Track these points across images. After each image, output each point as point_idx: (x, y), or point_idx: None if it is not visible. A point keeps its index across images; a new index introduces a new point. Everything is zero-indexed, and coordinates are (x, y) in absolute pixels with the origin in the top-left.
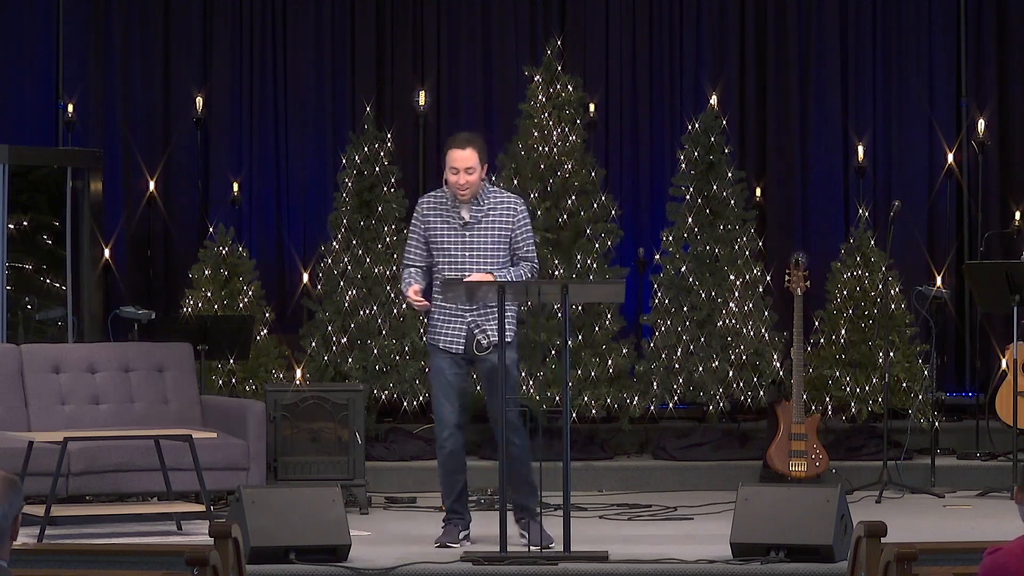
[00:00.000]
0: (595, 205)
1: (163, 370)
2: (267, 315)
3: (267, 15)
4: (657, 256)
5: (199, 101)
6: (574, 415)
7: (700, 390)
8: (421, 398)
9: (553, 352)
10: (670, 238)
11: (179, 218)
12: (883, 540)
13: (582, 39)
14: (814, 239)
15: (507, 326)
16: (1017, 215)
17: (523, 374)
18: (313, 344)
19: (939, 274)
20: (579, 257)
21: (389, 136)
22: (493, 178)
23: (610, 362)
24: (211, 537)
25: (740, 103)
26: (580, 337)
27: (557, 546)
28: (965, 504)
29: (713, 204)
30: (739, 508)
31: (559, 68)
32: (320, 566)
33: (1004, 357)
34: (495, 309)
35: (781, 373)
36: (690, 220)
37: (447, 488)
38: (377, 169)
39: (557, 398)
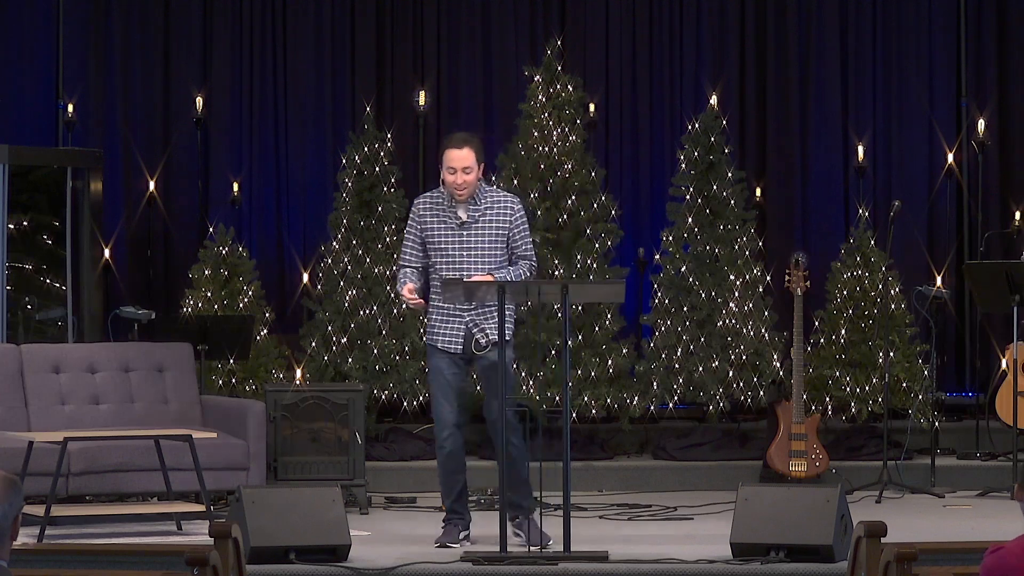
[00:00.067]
0: (595, 205)
1: (163, 370)
2: (267, 315)
3: (267, 15)
4: (657, 256)
5: (199, 101)
6: (574, 415)
7: (700, 390)
8: (421, 398)
9: (553, 352)
10: (670, 238)
11: (179, 218)
12: (883, 540)
13: (582, 39)
14: (814, 239)
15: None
16: (1017, 215)
17: (523, 374)
18: (313, 344)
19: (939, 274)
20: (579, 257)
21: (389, 136)
22: (493, 178)
23: (610, 362)
24: (211, 537)
25: (740, 103)
26: (580, 337)
27: (557, 546)
28: (965, 504)
29: (713, 204)
30: (739, 508)
31: (559, 68)
32: (320, 566)
33: (1004, 357)
34: (493, 309)
35: (781, 373)
36: (690, 220)
37: (447, 488)
38: (377, 169)
39: (557, 398)
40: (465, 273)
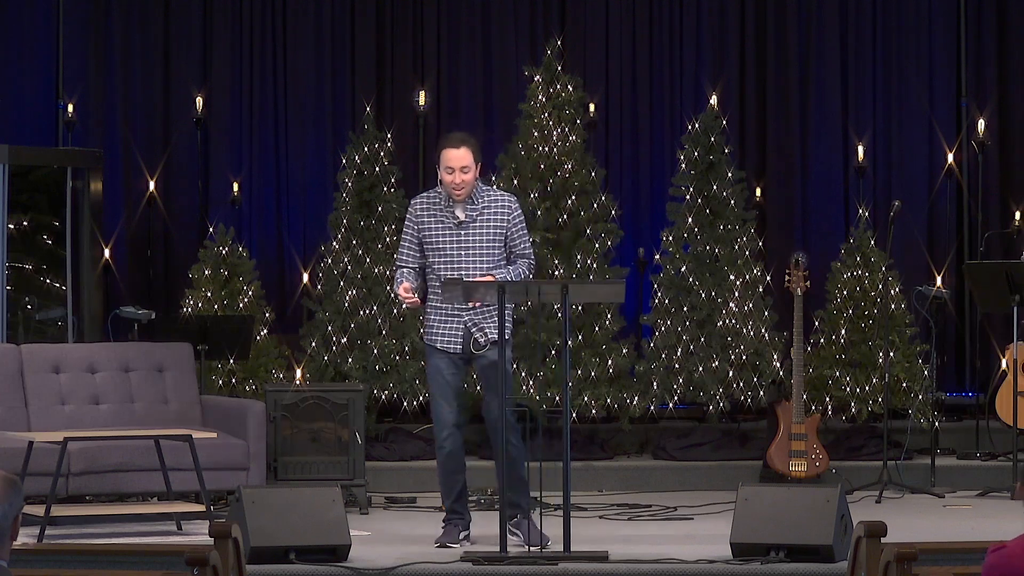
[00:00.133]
0: (595, 205)
1: (163, 370)
2: (267, 315)
3: (267, 15)
4: (657, 256)
5: (199, 101)
6: (574, 415)
7: (700, 390)
8: (421, 398)
9: (553, 352)
10: (670, 238)
11: (179, 218)
12: (883, 540)
13: (582, 39)
14: (814, 239)
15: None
16: (1017, 215)
17: (523, 374)
18: (313, 344)
19: (939, 274)
20: (579, 257)
21: (389, 136)
22: (493, 178)
23: (610, 362)
24: (211, 537)
25: (740, 103)
26: (580, 337)
27: (557, 546)
28: (965, 504)
29: (713, 204)
30: (739, 508)
31: (559, 68)
32: (320, 566)
33: (1004, 357)
34: (492, 308)
35: (781, 373)
36: (690, 220)
37: (447, 488)
38: (377, 169)
39: (557, 398)
40: (463, 273)
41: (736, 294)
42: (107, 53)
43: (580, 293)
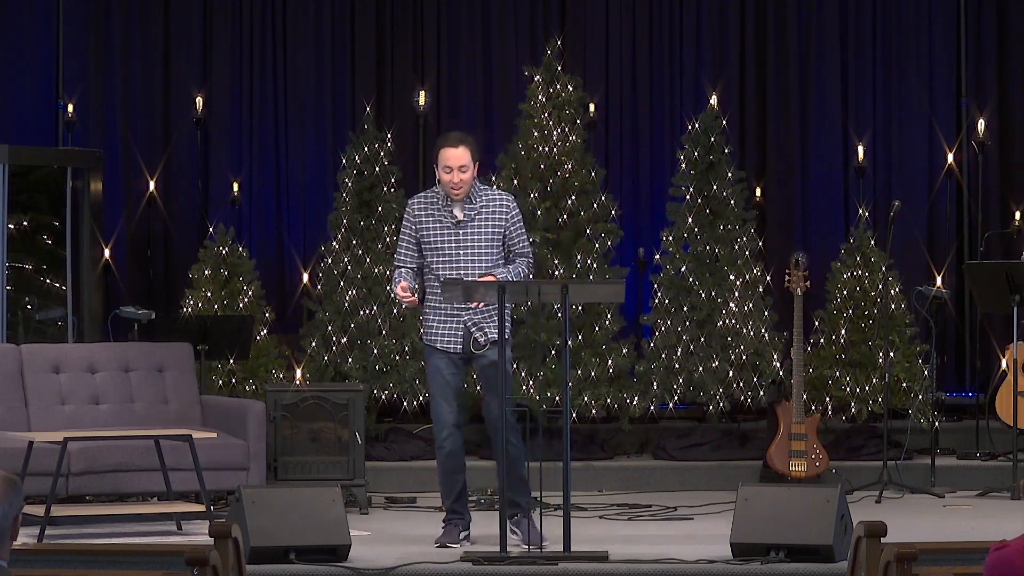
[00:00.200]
0: (595, 205)
1: (163, 370)
2: (267, 315)
3: (267, 15)
4: (657, 256)
5: (199, 101)
6: (574, 415)
7: (700, 390)
8: (421, 398)
9: (553, 352)
10: (670, 238)
11: (179, 218)
12: (883, 540)
13: (582, 39)
14: (814, 239)
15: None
16: (1017, 215)
17: (523, 374)
18: (313, 344)
19: (939, 274)
20: (579, 257)
21: (389, 136)
22: (493, 178)
23: (610, 362)
24: (211, 537)
25: (740, 103)
26: (580, 337)
27: (557, 546)
28: (965, 504)
29: (713, 204)
30: (739, 508)
31: (559, 68)
32: (320, 566)
33: (1004, 357)
34: (492, 308)
35: (781, 373)
36: (690, 220)
37: (447, 488)
38: (377, 169)
39: (557, 398)
40: (462, 272)
41: (736, 294)
42: (107, 53)
43: (580, 293)
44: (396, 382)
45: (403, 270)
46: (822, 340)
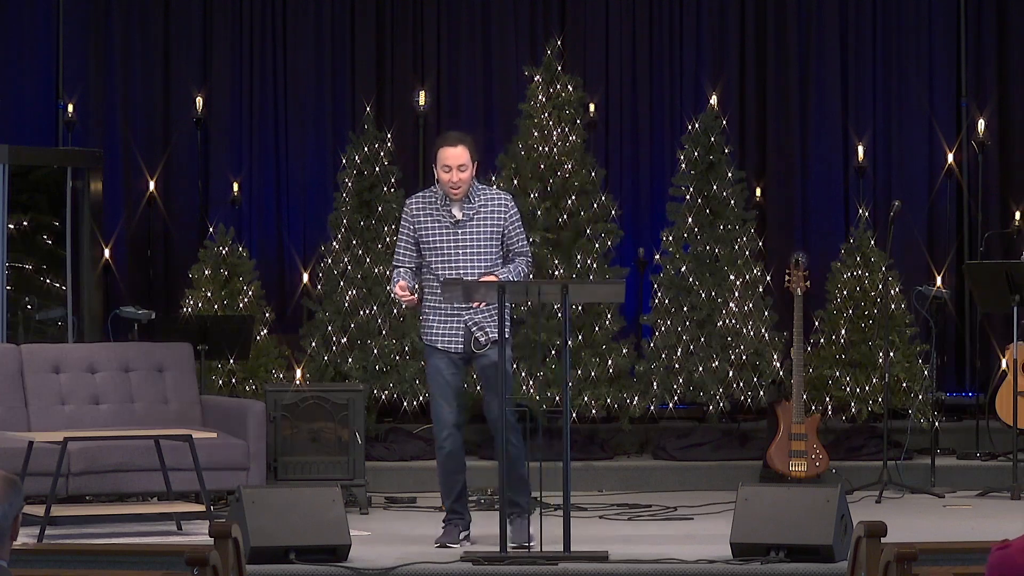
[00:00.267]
0: (595, 205)
1: (163, 370)
2: (267, 315)
3: (267, 15)
4: (657, 256)
5: (199, 101)
6: (574, 415)
7: (700, 390)
8: (421, 398)
9: (553, 352)
10: (670, 238)
11: (179, 218)
12: (883, 540)
13: (582, 39)
14: (814, 239)
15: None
16: (1017, 215)
17: (523, 374)
18: (313, 344)
19: (939, 274)
20: (579, 257)
21: (389, 136)
22: (493, 178)
23: (610, 362)
24: (211, 537)
25: (740, 103)
26: (580, 337)
27: (557, 546)
28: (965, 504)
29: (713, 204)
30: (739, 508)
31: (559, 68)
32: (320, 566)
33: (1004, 357)
34: (493, 307)
35: (781, 373)
36: (690, 220)
37: (447, 488)
38: (377, 169)
39: (557, 398)
40: (461, 272)
41: (736, 294)
42: (107, 53)
43: (580, 293)
44: (396, 382)
45: (401, 269)
46: (822, 340)
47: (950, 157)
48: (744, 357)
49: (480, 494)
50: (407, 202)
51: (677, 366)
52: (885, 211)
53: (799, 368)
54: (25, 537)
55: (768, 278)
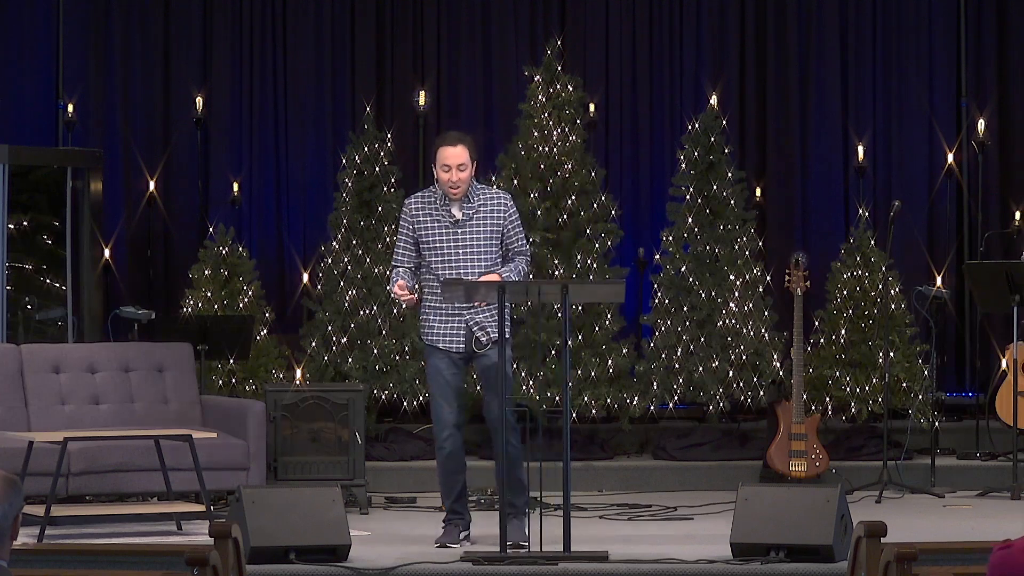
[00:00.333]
0: (595, 205)
1: (163, 370)
2: (267, 315)
3: (267, 15)
4: (657, 256)
5: (199, 101)
6: (574, 415)
7: (700, 390)
8: (421, 398)
9: (553, 352)
10: (670, 238)
11: (179, 218)
12: (883, 540)
13: (582, 39)
14: (814, 239)
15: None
16: (1017, 215)
17: (523, 374)
18: (313, 344)
19: (939, 274)
20: (579, 257)
21: (389, 136)
22: (493, 178)
23: (610, 362)
24: (211, 537)
25: (740, 103)
26: (580, 337)
27: (557, 546)
28: (965, 504)
29: (713, 204)
30: (739, 508)
31: (559, 68)
32: (320, 566)
33: (1004, 357)
34: (492, 307)
35: (781, 373)
36: (690, 220)
37: (447, 488)
38: (377, 169)
39: (557, 398)
40: (461, 271)
41: (736, 294)
42: (107, 53)
43: (580, 293)
44: (396, 382)
45: (400, 269)
46: (822, 340)
47: (950, 157)
48: (744, 357)
49: (480, 494)
50: (406, 202)
51: (677, 366)
52: (885, 211)
53: (799, 368)
54: (25, 537)
55: (768, 278)
